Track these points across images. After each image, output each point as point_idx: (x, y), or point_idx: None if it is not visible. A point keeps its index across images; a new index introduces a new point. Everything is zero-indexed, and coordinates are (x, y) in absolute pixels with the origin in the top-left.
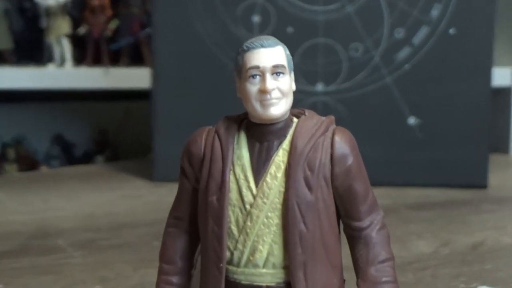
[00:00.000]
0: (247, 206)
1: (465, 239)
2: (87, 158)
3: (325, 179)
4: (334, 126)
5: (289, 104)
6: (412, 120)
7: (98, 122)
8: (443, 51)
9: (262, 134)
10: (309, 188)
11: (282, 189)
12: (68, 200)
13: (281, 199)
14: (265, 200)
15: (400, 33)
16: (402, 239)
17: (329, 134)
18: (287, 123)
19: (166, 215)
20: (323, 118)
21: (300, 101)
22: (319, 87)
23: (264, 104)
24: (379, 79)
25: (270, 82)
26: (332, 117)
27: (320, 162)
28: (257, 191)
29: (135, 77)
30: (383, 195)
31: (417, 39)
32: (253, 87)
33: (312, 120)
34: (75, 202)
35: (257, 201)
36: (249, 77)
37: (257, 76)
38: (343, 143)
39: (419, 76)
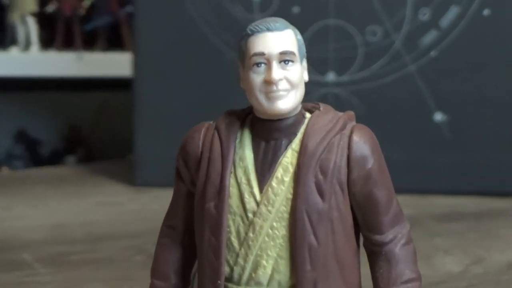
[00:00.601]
0: (250, 215)
1: (500, 256)
2: (56, 159)
3: (340, 184)
4: (353, 123)
5: (300, 97)
6: (439, 117)
7: (69, 116)
8: (475, 35)
9: (268, 132)
10: (321, 194)
11: (290, 196)
12: (34, 207)
13: (288, 207)
14: (270, 208)
15: (425, 14)
16: (426, 255)
17: (346, 132)
18: (298, 119)
19: (150, 225)
20: (341, 113)
21: (308, 93)
22: (330, 77)
23: (270, 96)
24: (401, 67)
25: (277, 71)
26: (351, 113)
27: (334, 164)
28: (261, 197)
29: (113, 64)
30: (404, 203)
31: (445, 21)
32: (257, 77)
33: (327, 116)
34: (43, 210)
35: (261, 209)
36: (253, 65)
37: (262, 65)
38: (362, 143)
39: (448, 64)
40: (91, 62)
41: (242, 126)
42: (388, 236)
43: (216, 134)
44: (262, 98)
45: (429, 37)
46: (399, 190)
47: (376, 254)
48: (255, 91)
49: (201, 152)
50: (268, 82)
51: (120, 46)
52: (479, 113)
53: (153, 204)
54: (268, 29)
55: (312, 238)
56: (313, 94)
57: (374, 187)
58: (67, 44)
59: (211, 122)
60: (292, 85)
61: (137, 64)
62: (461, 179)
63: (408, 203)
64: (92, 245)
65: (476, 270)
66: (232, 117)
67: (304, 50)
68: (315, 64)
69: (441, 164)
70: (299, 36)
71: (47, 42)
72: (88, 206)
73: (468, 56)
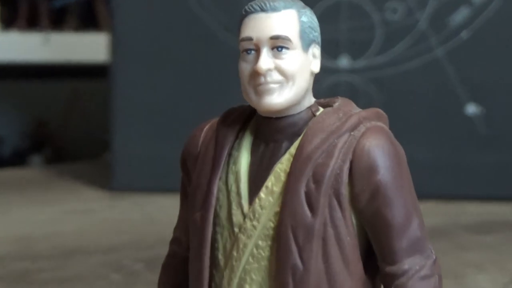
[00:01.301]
0: (236, 230)
1: None
2: (18, 159)
3: (338, 197)
4: (372, 123)
5: (299, 91)
6: (472, 109)
7: (34, 109)
8: None
9: (268, 132)
10: (311, 207)
11: (279, 209)
12: None
13: (275, 223)
14: (255, 222)
15: None
16: (456, 273)
17: (356, 134)
18: (304, 117)
19: (129, 237)
20: (358, 110)
21: (316, 82)
22: (343, 62)
23: (258, 90)
24: (426, 51)
25: (266, 60)
26: (375, 111)
27: (331, 172)
28: (249, 209)
29: (86, 47)
30: (431, 212)
31: None
32: (246, 67)
33: (337, 114)
34: (3, 219)
35: (246, 223)
36: (243, 52)
37: (252, 52)
38: (371, 148)
39: (482, 47)
40: (60, 44)
41: (246, 125)
42: (401, 267)
43: (214, 133)
44: (251, 92)
45: (460, 15)
46: (425, 196)
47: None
48: (244, 83)
49: (199, 153)
50: (255, 73)
51: (95, 25)
52: None
53: (133, 213)
54: (262, 9)
55: (297, 260)
56: (322, 82)
57: (383, 205)
58: (32, 23)
59: (218, 119)
60: (286, 77)
61: (114, 47)
62: (498, 182)
63: (435, 211)
64: (61, 261)
65: None
66: (237, 113)
67: (315, 34)
68: (324, 47)
69: (474, 164)
70: (306, 18)
71: (8, 21)
72: (56, 214)
73: (506, 37)
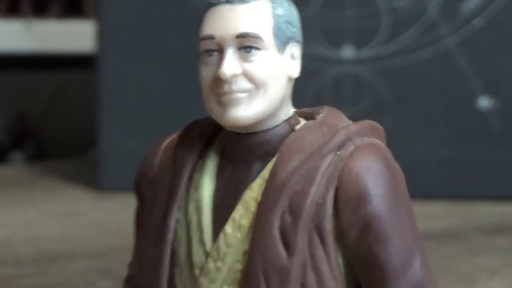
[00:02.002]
0: (196, 272)
1: None
2: None
3: (320, 232)
4: (364, 140)
5: (272, 101)
6: (485, 103)
7: (15, 102)
8: None
9: (236, 151)
10: (287, 245)
11: (248, 247)
12: None
13: (244, 265)
14: (219, 264)
15: None
16: (468, 277)
17: (343, 153)
18: (280, 133)
19: (117, 241)
20: (347, 124)
21: (317, 74)
22: (347, 52)
23: (221, 101)
24: (437, 40)
25: (230, 64)
26: (369, 123)
27: (311, 202)
28: (212, 247)
29: (71, 35)
30: (442, 213)
31: None
32: (208, 71)
33: (321, 129)
34: None
35: (209, 264)
36: (203, 53)
37: (214, 53)
38: (361, 172)
39: (496, 36)
40: (43, 33)
41: (211, 141)
42: None
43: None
44: (212, 103)
45: (472, 2)
46: (435, 196)
47: None
48: (205, 92)
49: (154, 176)
50: (218, 79)
51: (80, 12)
52: None
53: (121, 214)
54: (227, 1)
55: None
56: (325, 74)
57: (376, 243)
58: (13, 10)
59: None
60: (256, 84)
61: (101, 36)
62: None
63: (446, 213)
64: (45, 266)
65: None
66: (201, 128)
67: (292, 30)
68: (328, 35)
69: (488, 163)
70: (282, 10)
71: None
72: (39, 216)
73: None
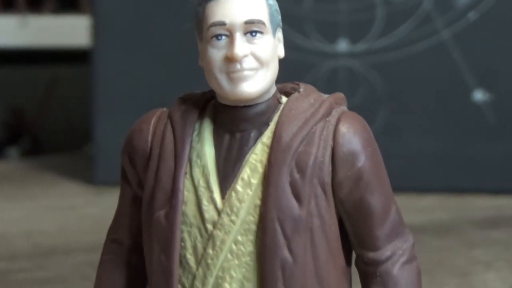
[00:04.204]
0: (209, 226)
1: None
2: None
3: (323, 185)
4: (342, 108)
5: (271, 78)
6: (480, 95)
7: (10, 97)
8: None
9: (233, 122)
10: (298, 197)
11: (259, 202)
12: None
13: (256, 217)
14: (233, 217)
15: None
16: (463, 270)
17: (332, 120)
18: (271, 105)
19: None
20: (326, 96)
21: (312, 67)
22: (342, 45)
23: (233, 77)
24: (432, 34)
25: (241, 46)
26: (341, 95)
27: (315, 160)
28: (223, 204)
29: (66, 30)
30: (437, 206)
31: None
32: (217, 53)
33: (308, 99)
34: None
35: (222, 219)
36: (212, 38)
37: (223, 37)
38: (351, 135)
39: (491, 29)
40: (37, 28)
41: (201, 115)
42: (384, 253)
43: (169, 125)
44: (222, 80)
45: None
46: (430, 189)
47: (369, 275)
48: (214, 71)
49: (151, 148)
50: (230, 59)
51: (75, 7)
52: None
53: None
54: None
55: (286, 253)
56: (320, 68)
57: (367, 192)
58: (7, 5)
59: (164, 109)
60: (261, 63)
61: (96, 30)
62: (507, 174)
63: (441, 206)
64: (41, 261)
65: None
66: (189, 104)
67: (279, 17)
68: (322, 29)
69: (482, 156)
70: (272, 1)
71: None
72: (35, 211)
73: None
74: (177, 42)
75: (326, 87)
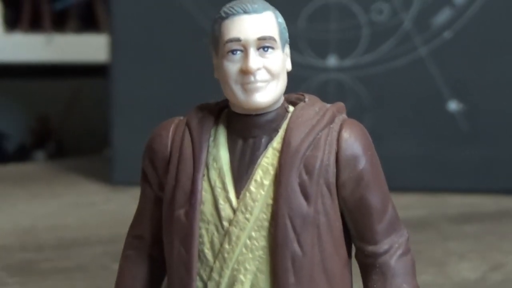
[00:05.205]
0: (225, 223)
1: None
2: (23, 154)
3: (328, 185)
4: (343, 116)
5: (281, 89)
6: (454, 106)
7: (37, 106)
8: (494, 13)
9: (246, 129)
10: (306, 197)
11: (271, 201)
12: None
13: (268, 215)
14: (247, 215)
15: None
16: (439, 261)
17: (335, 127)
18: (280, 113)
19: (127, 229)
20: (328, 105)
21: (306, 80)
22: (331, 61)
23: (247, 88)
24: (411, 50)
25: (255, 60)
26: (341, 105)
27: (321, 163)
28: (238, 203)
29: (87, 47)
30: (416, 204)
31: None
32: (232, 66)
33: (313, 108)
34: (9, 212)
35: (237, 216)
36: (228, 52)
37: (238, 52)
38: (353, 140)
39: (464, 46)
40: (61, 45)
41: (216, 122)
42: (382, 246)
43: (187, 132)
44: (237, 90)
45: (443, 16)
46: (410, 189)
47: (369, 266)
48: (230, 82)
49: (170, 152)
50: (245, 72)
51: (95, 26)
52: (499, 101)
53: (132, 205)
54: (245, 11)
55: (295, 246)
56: (312, 80)
57: (367, 191)
58: (35, 25)
59: (181, 118)
60: (272, 75)
61: (113, 47)
62: (479, 175)
63: (420, 203)
64: (64, 252)
65: (495, 277)
66: (205, 112)
67: (287, 35)
68: (314, 46)
69: (456, 159)
70: (281, 19)
71: (12, 23)
72: (59, 207)
73: (486, 37)
74: (184, 56)
75: (318, 97)
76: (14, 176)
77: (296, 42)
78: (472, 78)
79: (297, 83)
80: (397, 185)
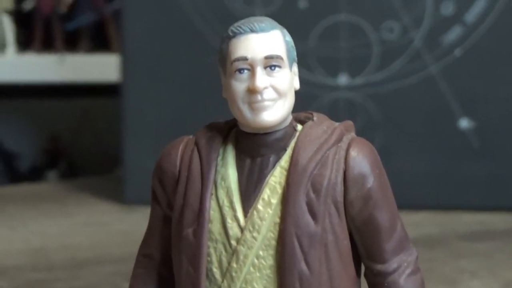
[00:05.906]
0: (233, 242)
1: None
2: (35, 174)
3: (336, 204)
4: (351, 135)
5: (289, 108)
6: (465, 123)
7: (49, 126)
8: (506, 30)
9: (254, 148)
10: (313, 216)
11: (278, 220)
12: (10, 229)
13: (276, 233)
14: (255, 234)
15: (448, 8)
16: (451, 279)
17: (343, 145)
18: (288, 132)
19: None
20: (337, 123)
21: (316, 98)
22: (342, 79)
23: (254, 107)
24: (421, 68)
25: (262, 79)
26: (350, 123)
27: (329, 182)
28: (246, 222)
29: (98, 67)
30: (427, 221)
31: (471, 15)
32: (239, 85)
33: (321, 127)
34: (21, 232)
35: (245, 235)
36: (235, 71)
37: (245, 71)
38: (361, 159)
39: (475, 64)
40: (73, 65)
41: (225, 141)
42: (391, 265)
43: (195, 150)
44: (245, 109)
45: (453, 34)
46: (421, 207)
47: (378, 285)
48: (237, 101)
49: (179, 171)
50: (252, 91)
51: (106, 47)
52: (511, 118)
53: (143, 224)
54: (252, 30)
55: (303, 265)
56: (323, 99)
57: (375, 210)
58: (47, 45)
59: (191, 137)
60: (280, 94)
61: (125, 67)
62: (490, 193)
63: (431, 221)
64: (76, 271)
65: None
66: (214, 131)
67: (295, 53)
68: (325, 65)
69: (467, 176)
70: (288, 38)
71: (24, 43)
72: (71, 227)
73: (497, 55)
74: (194, 76)
75: (329, 116)
76: (26, 196)
77: (307, 61)
78: (483, 96)
79: (308, 102)
80: (408, 203)
